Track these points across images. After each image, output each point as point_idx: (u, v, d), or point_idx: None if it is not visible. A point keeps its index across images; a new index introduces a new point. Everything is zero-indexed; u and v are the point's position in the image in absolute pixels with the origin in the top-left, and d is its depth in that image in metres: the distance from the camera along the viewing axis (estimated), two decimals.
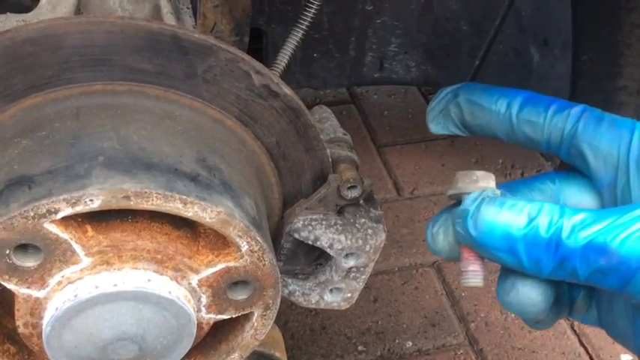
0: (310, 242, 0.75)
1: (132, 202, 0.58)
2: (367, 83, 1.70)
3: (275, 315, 0.69)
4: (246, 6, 0.90)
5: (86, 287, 0.61)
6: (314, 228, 0.74)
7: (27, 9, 0.78)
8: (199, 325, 0.67)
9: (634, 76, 1.06)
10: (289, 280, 0.79)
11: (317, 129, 0.73)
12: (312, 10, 0.83)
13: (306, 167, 0.75)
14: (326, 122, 0.83)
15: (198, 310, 0.66)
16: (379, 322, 1.82)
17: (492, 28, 1.55)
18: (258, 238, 0.63)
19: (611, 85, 1.09)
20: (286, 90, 0.69)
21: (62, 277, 0.61)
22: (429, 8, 1.54)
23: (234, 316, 0.68)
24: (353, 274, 0.78)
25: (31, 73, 0.63)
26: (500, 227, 0.60)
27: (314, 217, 0.74)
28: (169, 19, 0.81)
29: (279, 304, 0.69)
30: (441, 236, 0.67)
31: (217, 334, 0.72)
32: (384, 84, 1.75)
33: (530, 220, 0.59)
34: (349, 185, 0.75)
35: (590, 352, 1.79)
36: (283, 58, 0.82)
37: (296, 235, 0.75)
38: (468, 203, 0.62)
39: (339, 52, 1.58)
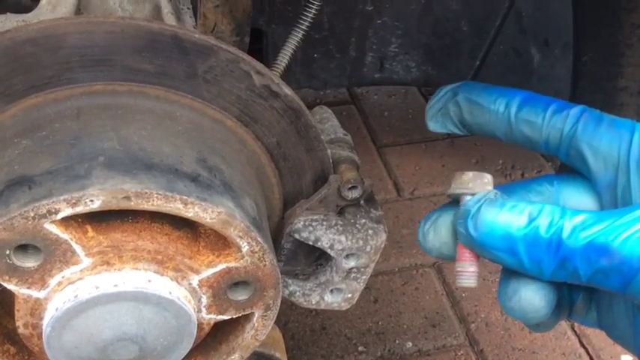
0: (311, 243, 0.75)
1: (132, 203, 0.58)
2: (367, 84, 1.70)
3: (275, 315, 0.69)
4: (246, 6, 0.90)
5: (86, 288, 0.61)
6: (314, 228, 0.74)
7: (27, 9, 0.77)
8: (200, 326, 0.67)
9: (635, 76, 1.06)
10: (290, 281, 0.79)
11: (318, 129, 0.73)
12: (313, 11, 0.83)
13: (306, 168, 0.75)
14: (326, 123, 0.83)
15: (199, 311, 0.66)
16: (379, 323, 1.82)
17: (493, 29, 1.55)
18: (259, 239, 0.63)
19: (612, 86, 1.09)
20: (287, 90, 0.69)
21: (62, 277, 0.61)
22: (429, 9, 1.54)
23: (234, 316, 0.68)
24: (353, 275, 0.78)
25: (31, 73, 0.63)
26: (501, 227, 0.60)
27: (314, 217, 0.74)
28: (170, 19, 0.81)
29: (279, 304, 0.69)
30: (431, 235, 0.68)
31: (218, 334, 0.72)
32: (384, 84, 1.75)
33: (531, 221, 0.59)
34: (350, 186, 0.75)
35: (591, 352, 1.79)
36: (284, 59, 0.82)
37: (296, 236, 0.75)
38: (470, 204, 0.62)
39: (340, 53, 1.58)
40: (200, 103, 0.68)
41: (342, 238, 0.75)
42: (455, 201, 0.67)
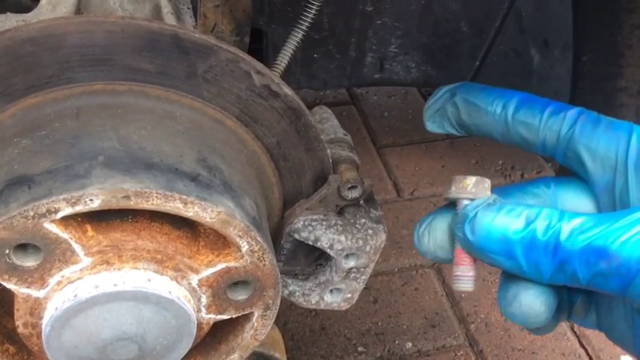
0: (310, 243, 0.75)
1: (132, 202, 0.58)
2: (367, 84, 1.70)
3: (275, 315, 0.69)
4: (246, 6, 0.90)
5: (86, 287, 0.61)
6: (314, 228, 0.74)
7: (27, 9, 0.77)
8: (199, 326, 0.67)
9: (634, 77, 1.06)
10: (289, 281, 0.79)
11: (317, 129, 0.73)
12: (313, 11, 0.83)
13: (306, 167, 0.75)
14: (326, 123, 0.83)
15: (198, 310, 0.66)
16: (379, 323, 1.82)
17: (492, 29, 1.55)
18: (259, 239, 0.63)
19: (612, 86, 1.09)
20: (287, 90, 0.69)
21: (62, 276, 0.61)
22: (429, 9, 1.54)
23: (234, 316, 0.68)
24: (353, 275, 0.78)
25: (31, 72, 0.63)
26: (498, 231, 0.60)
27: (314, 217, 0.74)
28: (170, 19, 0.81)
29: (279, 304, 0.69)
30: (426, 237, 0.68)
31: (217, 334, 0.72)
32: (384, 85, 1.75)
33: (528, 224, 0.59)
34: (350, 186, 0.75)
35: (590, 353, 1.79)
36: (283, 59, 0.82)
37: (296, 236, 0.75)
38: (468, 209, 0.62)
39: (340, 53, 1.58)
40: (200, 103, 0.68)
41: (342, 238, 0.75)
42: (451, 204, 0.67)
